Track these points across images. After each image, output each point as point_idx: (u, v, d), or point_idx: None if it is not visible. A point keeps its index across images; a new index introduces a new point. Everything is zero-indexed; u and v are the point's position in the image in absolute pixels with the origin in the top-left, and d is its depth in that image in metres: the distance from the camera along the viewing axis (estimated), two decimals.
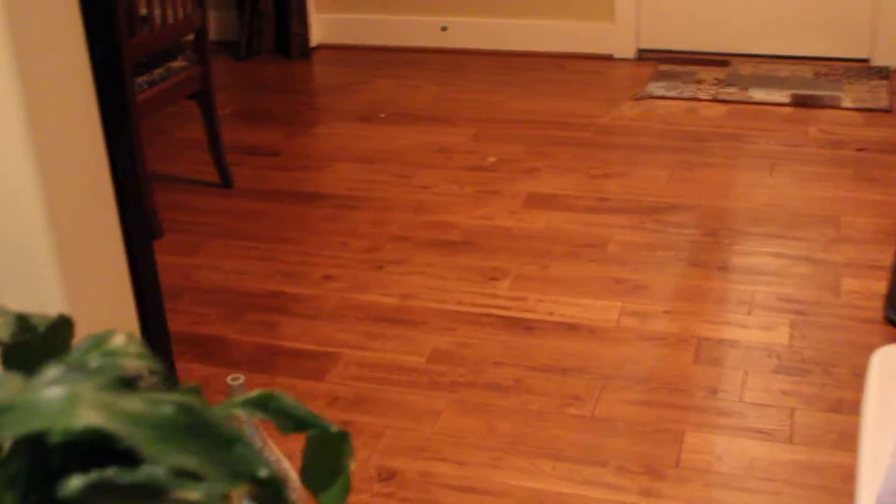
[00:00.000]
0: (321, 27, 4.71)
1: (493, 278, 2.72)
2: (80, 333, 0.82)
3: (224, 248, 2.95)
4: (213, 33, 4.85)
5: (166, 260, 2.90)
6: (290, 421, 0.80)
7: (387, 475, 2.03)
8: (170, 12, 2.95)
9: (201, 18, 3.12)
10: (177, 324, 2.57)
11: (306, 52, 4.61)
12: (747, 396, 2.23)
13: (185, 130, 3.58)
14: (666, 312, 2.54)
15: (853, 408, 2.17)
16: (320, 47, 4.75)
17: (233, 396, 1.62)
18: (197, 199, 3.27)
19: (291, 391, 2.29)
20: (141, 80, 2.90)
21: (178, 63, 3.07)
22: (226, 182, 3.31)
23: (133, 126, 1.56)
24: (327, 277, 2.76)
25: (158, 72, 2.99)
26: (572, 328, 2.49)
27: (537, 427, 2.15)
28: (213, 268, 2.84)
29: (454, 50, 4.61)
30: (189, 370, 2.39)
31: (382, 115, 3.89)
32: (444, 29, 4.57)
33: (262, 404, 0.80)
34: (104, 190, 1.58)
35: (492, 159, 3.47)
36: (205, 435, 0.67)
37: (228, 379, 1.62)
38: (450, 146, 3.59)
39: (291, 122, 3.88)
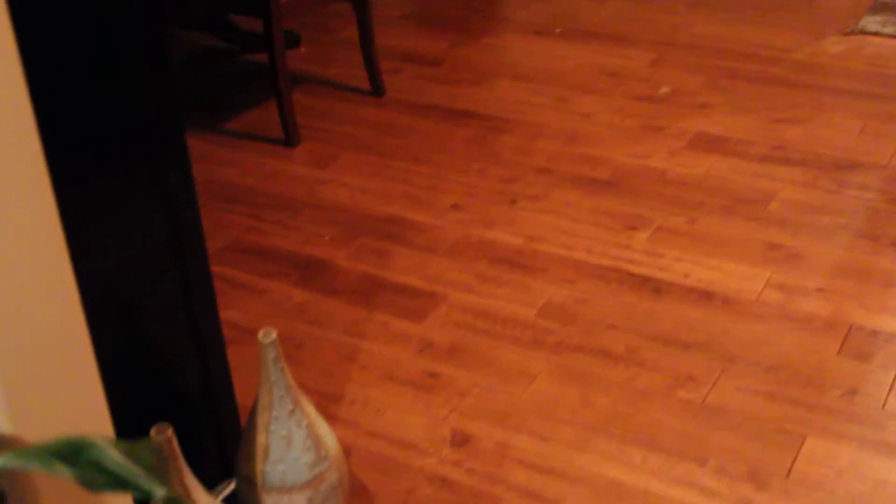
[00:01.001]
0: None
1: (632, 227, 2.47)
2: None
3: (357, 162, 2.81)
4: None
5: (296, 171, 2.79)
6: (105, 478, 0.63)
7: (461, 439, 1.87)
8: None
9: None
10: (288, 241, 2.46)
11: None
12: (892, 404, 1.92)
13: (350, 31, 3.42)
14: (819, 290, 2.24)
15: None
16: None
17: (262, 353, 1.48)
18: (343, 107, 3.13)
19: (385, 331, 2.15)
20: None
21: None
22: (376, 90, 3.16)
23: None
24: (455, 207, 2.58)
25: None
26: (706, 296, 2.23)
27: (638, 408, 1.92)
28: (341, 184, 2.71)
29: None
30: (286, 294, 2.27)
31: (557, 30, 3.63)
32: None
33: (71, 456, 0.63)
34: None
35: (664, 90, 3.17)
36: None
37: (260, 335, 1.48)
38: (622, 70, 3.30)
39: (461, 30, 3.67)
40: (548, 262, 2.35)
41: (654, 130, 2.92)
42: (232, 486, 1.65)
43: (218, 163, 2.86)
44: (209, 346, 1.57)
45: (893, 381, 1.98)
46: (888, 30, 3.53)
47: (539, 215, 2.53)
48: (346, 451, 1.85)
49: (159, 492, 0.65)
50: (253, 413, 1.53)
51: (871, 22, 3.60)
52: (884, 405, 1.92)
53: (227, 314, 2.21)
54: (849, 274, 2.28)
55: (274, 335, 1.48)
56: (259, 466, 1.51)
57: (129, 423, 1.31)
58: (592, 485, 1.76)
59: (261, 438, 1.51)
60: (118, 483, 0.64)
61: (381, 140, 2.92)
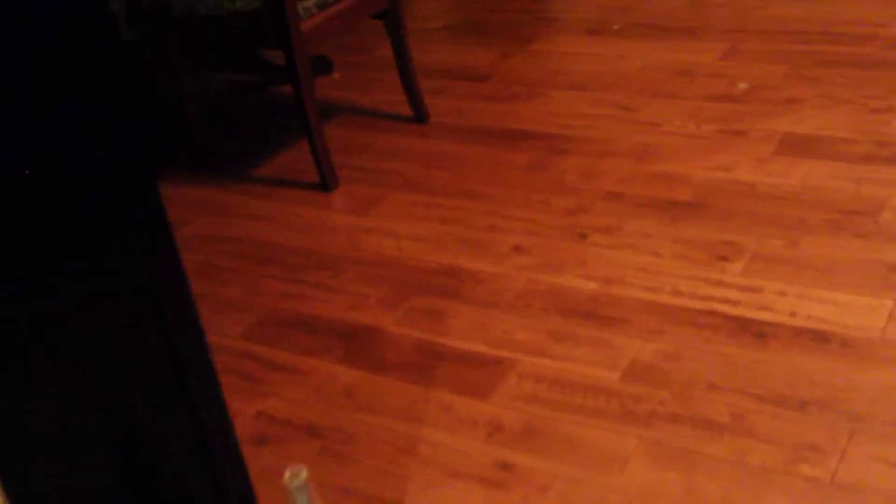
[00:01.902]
0: None
1: (724, 257, 2.13)
2: None
3: (404, 204, 2.51)
4: None
5: (336, 220, 2.50)
6: None
7: None
8: None
9: None
10: (331, 306, 2.17)
11: None
12: None
13: (387, 48, 3.11)
14: None
15: None
16: None
17: (290, 498, 1.18)
18: (384, 139, 2.83)
19: (447, 414, 1.84)
20: (306, 3, 2.46)
21: None
22: (419, 116, 2.85)
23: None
24: (517, 249, 2.26)
25: None
26: (819, 337, 1.88)
27: (754, 493, 1.59)
28: (386, 231, 2.41)
29: None
30: (331, 374, 1.98)
31: (615, 27, 3.28)
32: None
33: None
34: None
35: (742, 86, 2.81)
36: None
37: (286, 476, 1.18)
38: (692, 67, 2.95)
39: (508, 37, 3.35)
40: (629, 310, 2.02)
41: (737, 135, 2.57)
42: None
43: (250, 216, 2.58)
44: None
45: None
46: None
47: (614, 251, 2.20)
48: None
49: None
50: None
51: None
52: None
53: (264, 404, 1.93)
54: None
55: (304, 475, 1.19)
56: None
57: None
58: None
59: None
60: None
61: (427, 174, 2.62)
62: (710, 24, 3.20)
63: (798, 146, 2.48)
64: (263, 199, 2.65)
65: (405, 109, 2.88)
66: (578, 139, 2.66)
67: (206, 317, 2.15)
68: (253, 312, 2.20)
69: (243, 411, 1.92)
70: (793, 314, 1.94)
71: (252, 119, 3.09)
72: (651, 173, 2.47)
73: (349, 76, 3.22)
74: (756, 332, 1.92)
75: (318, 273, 2.30)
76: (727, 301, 2.01)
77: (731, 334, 1.92)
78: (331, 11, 2.53)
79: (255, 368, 2.03)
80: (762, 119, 2.62)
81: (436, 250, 2.31)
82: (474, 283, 2.18)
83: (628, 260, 2.17)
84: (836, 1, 3.23)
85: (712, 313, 1.98)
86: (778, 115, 2.63)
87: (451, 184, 2.56)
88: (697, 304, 2.01)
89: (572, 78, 2.99)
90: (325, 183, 2.59)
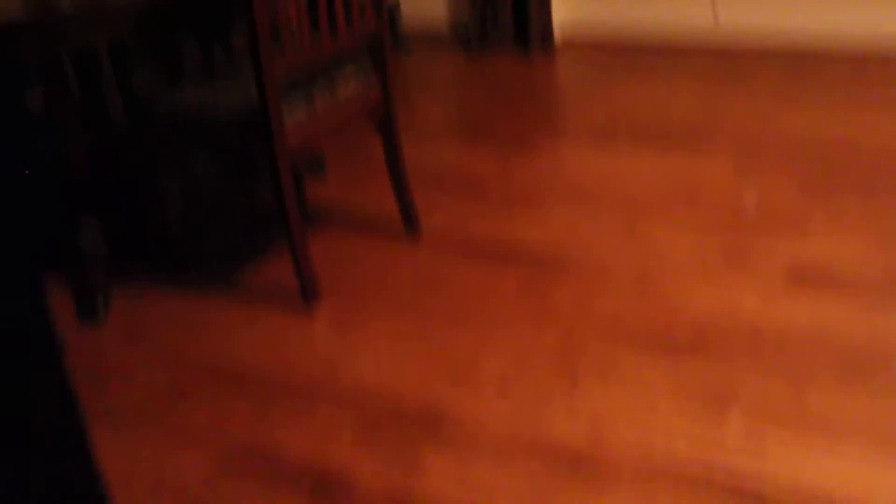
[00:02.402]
0: (567, 11, 3.99)
1: (724, 410, 1.97)
2: None
3: (387, 329, 2.36)
4: (442, 18, 4.25)
5: (314, 339, 2.35)
6: None
7: None
8: (341, 15, 2.36)
9: (379, 21, 2.51)
10: (302, 443, 2.02)
11: (547, 41, 3.91)
12: None
13: (380, 150, 2.99)
14: None
15: None
16: (564, 36, 4.03)
17: None
18: (371, 251, 2.70)
19: None
20: (292, 107, 2.34)
21: (346, 80, 2.49)
22: (409, 226, 2.72)
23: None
24: (502, 391, 2.11)
25: (319, 92, 2.42)
26: None
27: None
28: (367, 359, 2.26)
29: (727, 46, 3.77)
30: None
31: (621, 133, 3.16)
32: (715, 18, 3.73)
33: None
34: None
35: (751, 203, 2.67)
36: None
37: None
38: (699, 180, 2.82)
39: (510, 139, 3.22)
40: (617, 468, 1.87)
41: (742, 262, 2.43)
42: None
43: (227, 332, 2.44)
44: None
45: None
46: None
47: (606, 397, 2.05)
48: None
49: None
50: None
51: None
52: None
53: None
54: None
55: None
56: None
57: None
58: None
59: None
60: None
61: (416, 297, 2.48)
62: (720, 131, 3.07)
63: (807, 277, 2.34)
64: (242, 309, 2.51)
65: (397, 218, 2.75)
66: (575, 261, 2.52)
67: (167, 452, 2.00)
68: (216, 446, 2.05)
69: None
70: (797, 485, 1.79)
71: (239, 220, 2.97)
72: (650, 305, 2.32)
73: (343, 174, 3.10)
74: (755, 502, 1.76)
75: (292, 402, 2.15)
76: (725, 466, 1.85)
77: None
78: (317, 115, 2.41)
79: None
80: (770, 244, 2.48)
81: (417, 384, 2.16)
82: (455, 427, 2.02)
83: (621, 408, 2.02)
84: (854, 113, 3.10)
85: (708, 481, 1.82)
86: (787, 240, 2.49)
87: (437, 308, 2.42)
88: (693, 468, 1.85)
89: (573, 187, 2.86)
90: (307, 295, 2.45)
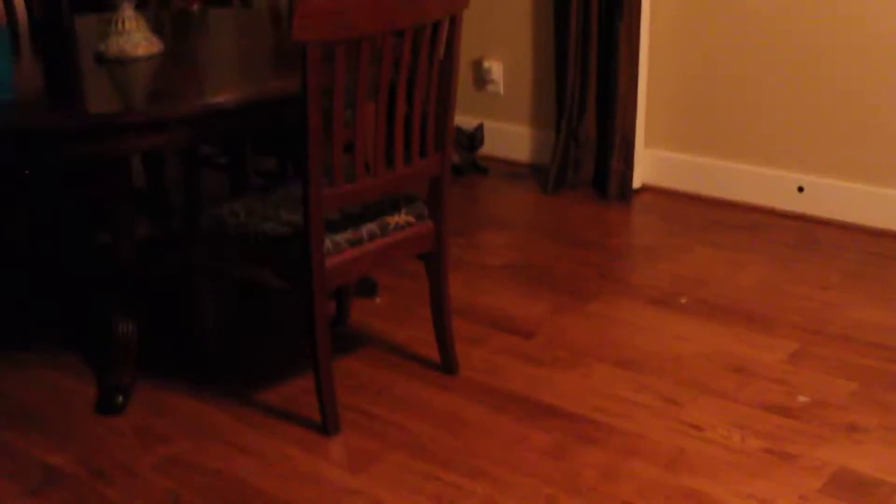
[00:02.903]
0: (649, 166, 3.94)
1: None
2: None
3: (400, 470, 2.28)
4: (523, 153, 4.24)
5: (325, 475, 2.29)
6: None
7: None
8: (400, 155, 2.35)
9: (442, 163, 2.48)
10: None
11: (626, 192, 3.85)
12: None
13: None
14: None
15: None
16: (644, 189, 3.98)
17: None
18: (403, 384, 2.63)
19: None
20: (338, 237, 2.31)
21: (399, 217, 2.46)
22: (447, 367, 2.66)
23: None
24: None
25: (369, 227, 2.39)
26: None
27: None
28: (373, 500, 2.18)
29: (808, 217, 3.67)
30: None
31: (683, 301, 3.06)
32: (800, 189, 3.65)
33: None
34: None
35: (803, 399, 2.55)
36: None
37: None
38: (752, 364, 2.70)
39: (567, 290, 3.15)
40: None
41: (784, 459, 2.30)
42: None
43: (237, 447, 2.38)
44: None
45: None
46: None
47: None
48: None
49: None
50: None
51: None
52: None
53: None
54: None
55: None
56: None
57: None
58: None
59: None
60: None
61: (436, 438, 2.39)
62: (783, 315, 2.95)
63: (851, 487, 2.19)
64: (258, 429, 2.45)
65: (436, 354, 2.68)
66: (609, 428, 2.42)
67: None
68: None
69: None
70: None
71: (272, 335, 2.93)
72: (678, 489, 2.20)
73: (389, 303, 3.05)
74: None
75: None
76: None
77: None
78: (364, 249, 2.38)
79: None
80: (816, 444, 2.35)
81: None
82: None
83: None
84: None
85: None
86: (836, 443, 2.35)
87: (458, 454, 2.33)
88: None
89: (621, 352, 2.77)
90: (325, 426, 2.39)
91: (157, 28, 2.86)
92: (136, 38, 2.65)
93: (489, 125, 4.23)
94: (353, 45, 2.13)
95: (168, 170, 3.59)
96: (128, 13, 2.66)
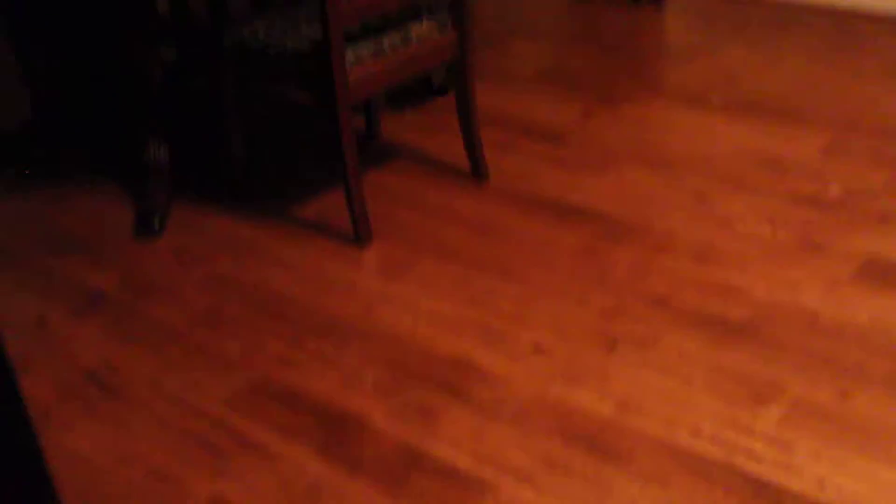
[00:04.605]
0: None
1: (762, 400, 1.88)
2: None
3: (435, 275, 2.32)
4: None
5: (359, 282, 2.33)
6: None
7: None
8: None
9: None
10: (324, 384, 2.00)
11: None
12: None
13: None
14: None
15: None
16: None
17: None
18: (435, 192, 2.65)
19: None
20: (359, 49, 2.30)
21: (421, 28, 2.43)
22: (477, 174, 2.66)
23: None
24: (537, 349, 2.06)
25: (391, 38, 2.37)
26: None
27: None
28: (406, 304, 2.23)
29: (843, 11, 3.56)
30: (301, 465, 1.81)
31: (715, 99, 3.02)
32: None
33: None
34: None
35: (835, 189, 2.53)
36: None
37: None
38: (785, 159, 2.68)
39: (599, 94, 3.12)
40: (638, 446, 1.80)
41: (815, 249, 2.30)
42: None
43: (273, 262, 2.43)
44: None
45: None
46: None
47: (641, 370, 1.98)
48: None
49: None
50: None
51: None
52: None
53: (223, 486, 1.77)
54: None
55: None
56: None
57: None
58: None
59: None
60: None
61: (468, 242, 2.43)
62: (818, 109, 2.91)
63: (880, 274, 2.20)
64: (292, 244, 2.50)
65: (467, 163, 2.69)
66: (639, 227, 2.43)
67: (196, 374, 2.01)
68: (243, 377, 2.05)
69: (196, 491, 1.77)
70: (821, 487, 1.69)
71: (303, 153, 2.95)
72: (707, 280, 2.22)
73: (423, 116, 3.05)
74: (773, 500, 1.67)
75: (322, 341, 2.14)
76: (751, 455, 1.76)
77: (743, 499, 1.68)
78: (386, 60, 2.36)
79: (226, 443, 1.88)
80: (848, 233, 2.35)
81: (452, 335, 2.12)
82: (481, 384, 1.98)
83: (654, 383, 1.94)
84: None
85: (730, 468, 1.74)
86: (867, 232, 2.35)
87: (489, 257, 2.37)
88: (716, 454, 1.77)
89: (653, 152, 2.75)
90: (358, 236, 2.43)
91: None
92: None
93: None
94: None
95: None
96: None
